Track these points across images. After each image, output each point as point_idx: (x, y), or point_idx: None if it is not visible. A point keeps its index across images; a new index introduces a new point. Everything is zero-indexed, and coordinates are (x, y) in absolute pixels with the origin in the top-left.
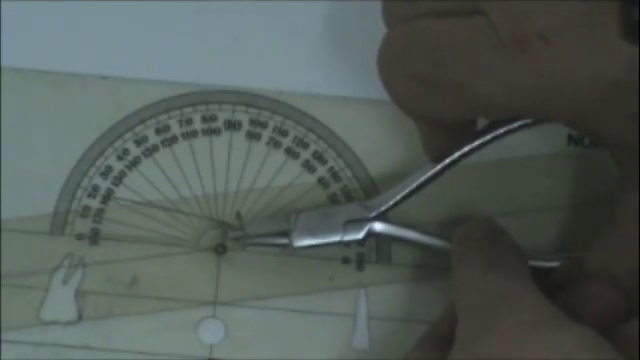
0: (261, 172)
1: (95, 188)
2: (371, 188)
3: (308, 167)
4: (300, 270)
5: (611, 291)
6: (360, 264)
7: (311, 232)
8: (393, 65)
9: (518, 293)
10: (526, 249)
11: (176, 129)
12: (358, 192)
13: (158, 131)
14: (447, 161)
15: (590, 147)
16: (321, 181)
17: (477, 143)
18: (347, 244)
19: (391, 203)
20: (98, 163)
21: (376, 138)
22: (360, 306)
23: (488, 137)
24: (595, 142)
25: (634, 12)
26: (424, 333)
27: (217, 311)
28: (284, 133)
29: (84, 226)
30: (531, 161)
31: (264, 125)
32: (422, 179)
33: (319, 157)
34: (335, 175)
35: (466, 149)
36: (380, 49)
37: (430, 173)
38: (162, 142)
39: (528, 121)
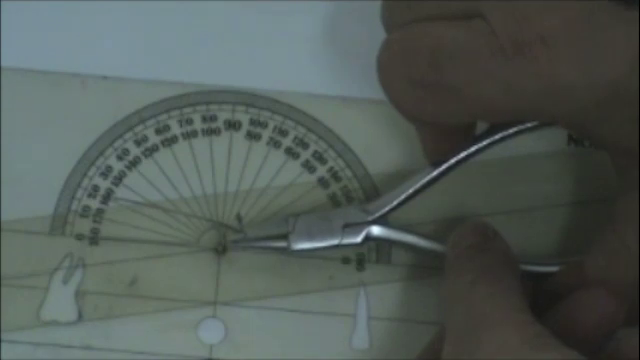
0: (261, 172)
1: (95, 188)
2: (371, 188)
3: (308, 167)
4: (300, 270)
5: (610, 300)
6: (360, 264)
7: (309, 235)
8: (392, 69)
9: (503, 312)
10: (526, 249)
11: (176, 129)
12: (358, 192)
13: (158, 131)
14: (446, 165)
15: (590, 147)
16: (321, 181)
17: (477, 147)
18: (345, 248)
19: (389, 207)
20: (98, 163)
21: (376, 138)
22: (360, 306)
23: (488, 141)
24: (595, 145)
25: None
26: (421, 351)
27: (217, 311)
28: (284, 133)
29: (84, 226)
30: (531, 161)
31: (264, 125)
32: (421, 183)
33: (319, 157)
34: (335, 175)
35: (465, 153)
36: (379, 53)
37: (429, 177)
38: (162, 142)
39: (528, 125)
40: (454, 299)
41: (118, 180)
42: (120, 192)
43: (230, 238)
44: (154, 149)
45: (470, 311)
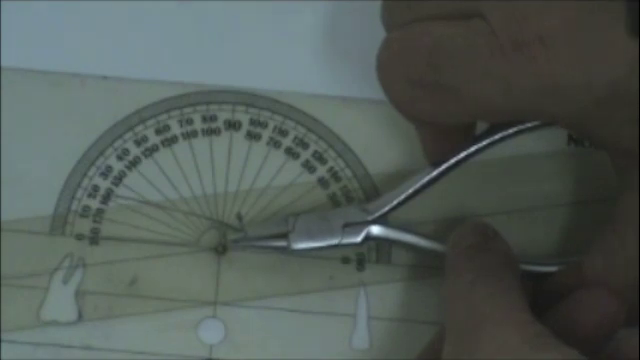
0: (261, 172)
1: (95, 188)
2: (371, 188)
3: (308, 167)
4: (300, 270)
5: (610, 300)
6: (360, 264)
7: (309, 235)
8: (392, 69)
9: (503, 312)
10: (526, 249)
11: (176, 129)
12: (358, 192)
13: (158, 131)
14: (446, 165)
15: (590, 147)
16: (321, 181)
17: (477, 147)
18: (345, 247)
19: (389, 207)
20: (98, 163)
21: (376, 138)
22: (360, 306)
23: (488, 141)
24: (594, 145)
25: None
26: (420, 351)
27: (217, 311)
28: (284, 133)
29: (84, 226)
30: (531, 161)
31: (264, 125)
32: (421, 183)
33: (319, 157)
34: (335, 175)
35: (465, 153)
36: (379, 53)
37: (429, 177)
38: (162, 142)
39: (528, 125)
40: (454, 299)
41: (118, 180)
42: (120, 192)
43: (230, 238)
44: (154, 149)
45: (470, 311)
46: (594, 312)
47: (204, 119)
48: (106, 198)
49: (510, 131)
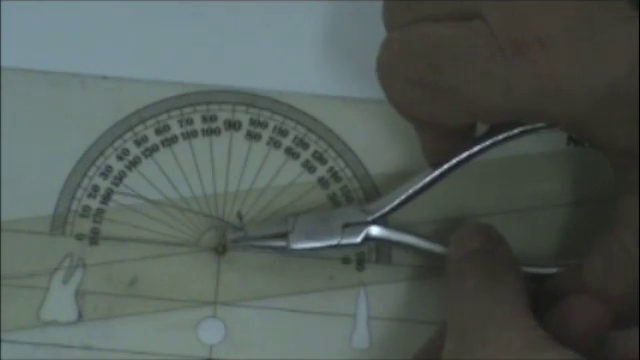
0: (261, 172)
1: (95, 188)
2: (371, 188)
3: (308, 167)
4: (300, 270)
5: (599, 306)
6: (360, 264)
7: (309, 235)
8: (392, 69)
9: (506, 317)
10: (525, 249)
11: (176, 129)
12: (358, 192)
13: (158, 131)
14: (446, 167)
15: (590, 147)
16: (321, 181)
17: (476, 149)
18: (344, 248)
19: (389, 207)
20: (98, 163)
21: (376, 138)
22: (360, 306)
23: (488, 143)
24: (594, 146)
25: None
26: (420, 349)
27: (217, 311)
28: (284, 133)
29: (84, 226)
30: (531, 161)
31: (264, 125)
32: (421, 184)
33: (319, 157)
34: (335, 175)
35: (465, 155)
36: (379, 53)
37: (429, 178)
38: (162, 142)
39: (528, 127)
40: (457, 302)
41: (118, 180)
42: (120, 192)
43: (230, 237)
44: (154, 149)
45: (474, 314)
46: (583, 317)
47: (204, 119)
48: (106, 198)
49: (515, 131)
